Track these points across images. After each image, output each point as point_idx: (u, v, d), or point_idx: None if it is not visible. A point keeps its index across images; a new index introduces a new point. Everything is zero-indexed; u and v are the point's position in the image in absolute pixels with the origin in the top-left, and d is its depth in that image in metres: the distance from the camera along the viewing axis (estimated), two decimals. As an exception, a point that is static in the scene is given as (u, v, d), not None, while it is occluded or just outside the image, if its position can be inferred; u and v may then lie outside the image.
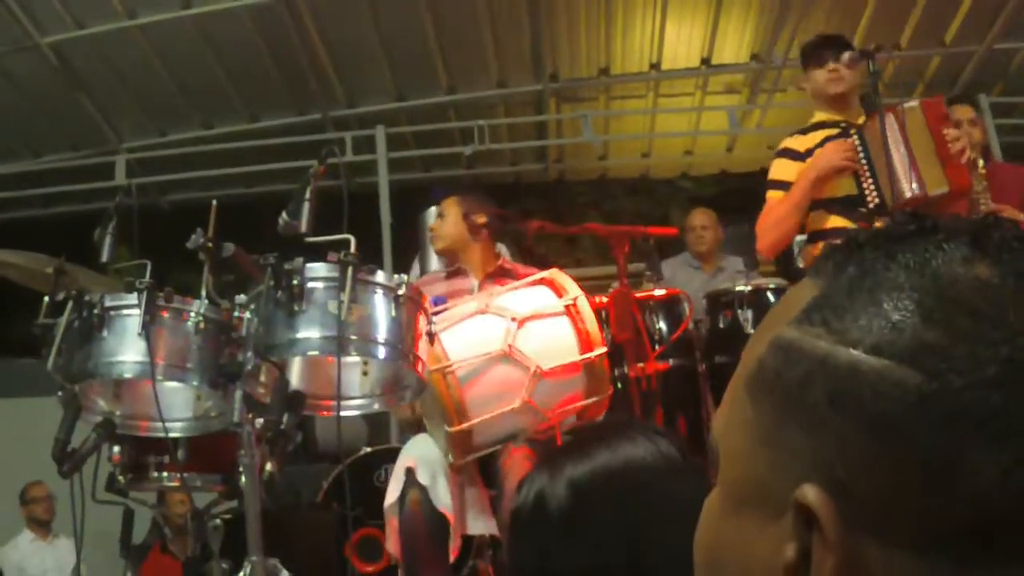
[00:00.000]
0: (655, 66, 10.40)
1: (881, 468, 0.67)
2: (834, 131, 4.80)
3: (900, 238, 0.75)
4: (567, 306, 3.95)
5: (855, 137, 4.64)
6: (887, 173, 4.49)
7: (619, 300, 4.28)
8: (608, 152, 11.88)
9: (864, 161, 4.59)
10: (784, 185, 4.79)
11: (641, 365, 4.37)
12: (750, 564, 0.75)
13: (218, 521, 4.15)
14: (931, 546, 0.65)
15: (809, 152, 4.79)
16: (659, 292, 5.37)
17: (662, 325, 5.36)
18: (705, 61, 10.33)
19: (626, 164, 12.18)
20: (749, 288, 5.45)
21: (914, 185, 4.43)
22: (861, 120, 4.78)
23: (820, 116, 4.96)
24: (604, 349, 3.95)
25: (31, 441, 6.05)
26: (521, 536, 1.61)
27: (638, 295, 4.67)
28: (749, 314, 5.38)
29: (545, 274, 4.20)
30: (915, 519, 0.66)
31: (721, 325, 5.50)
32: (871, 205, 4.57)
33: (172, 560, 6.74)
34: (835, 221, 4.69)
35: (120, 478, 4.01)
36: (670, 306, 5.43)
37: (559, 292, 4.03)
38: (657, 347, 4.90)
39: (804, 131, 4.95)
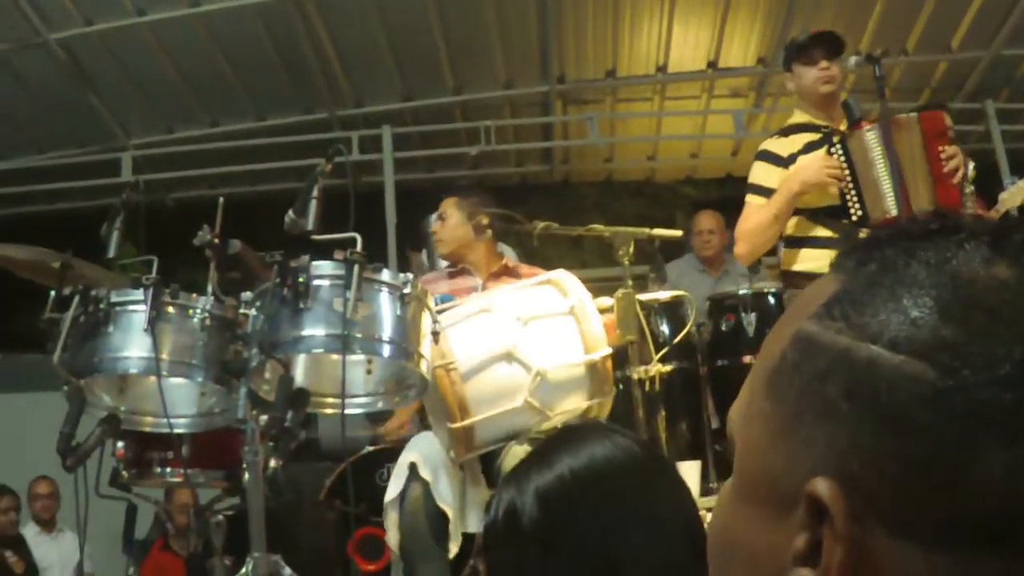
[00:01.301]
0: (662, 69, 10.40)
1: (893, 462, 0.68)
2: (816, 136, 4.72)
3: (921, 236, 0.75)
4: (572, 307, 3.96)
5: (839, 148, 4.55)
6: (872, 187, 4.45)
7: (624, 302, 4.27)
8: (614, 154, 11.88)
9: (848, 173, 4.51)
10: (765, 191, 4.72)
11: (644, 368, 4.37)
12: (759, 553, 0.76)
13: (220, 517, 4.17)
14: (939, 541, 0.66)
15: (792, 158, 4.70)
16: (663, 295, 5.37)
17: (665, 328, 5.36)
18: (712, 64, 10.33)
19: (632, 167, 12.18)
20: (751, 292, 5.45)
21: (899, 203, 4.35)
22: (843, 126, 4.72)
23: (801, 117, 4.87)
24: (608, 351, 3.95)
25: (36, 435, 6.07)
26: (496, 553, 1.60)
27: (642, 298, 4.66)
28: (752, 317, 5.37)
29: (551, 275, 4.20)
30: (924, 514, 0.67)
31: (723, 328, 5.50)
32: (853, 218, 4.51)
33: (173, 557, 6.74)
34: (818, 231, 4.65)
35: (124, 473, 4.03)
36: (673, 309, 5.43)
37: (564, 293, 4.03)
38: (660, 350, 4.89)
39: (785, 132, 4.86)
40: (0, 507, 7.32)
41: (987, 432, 0.65)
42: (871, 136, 4.48)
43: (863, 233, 4.34)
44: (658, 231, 4.57)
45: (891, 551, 0.68)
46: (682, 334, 5.15)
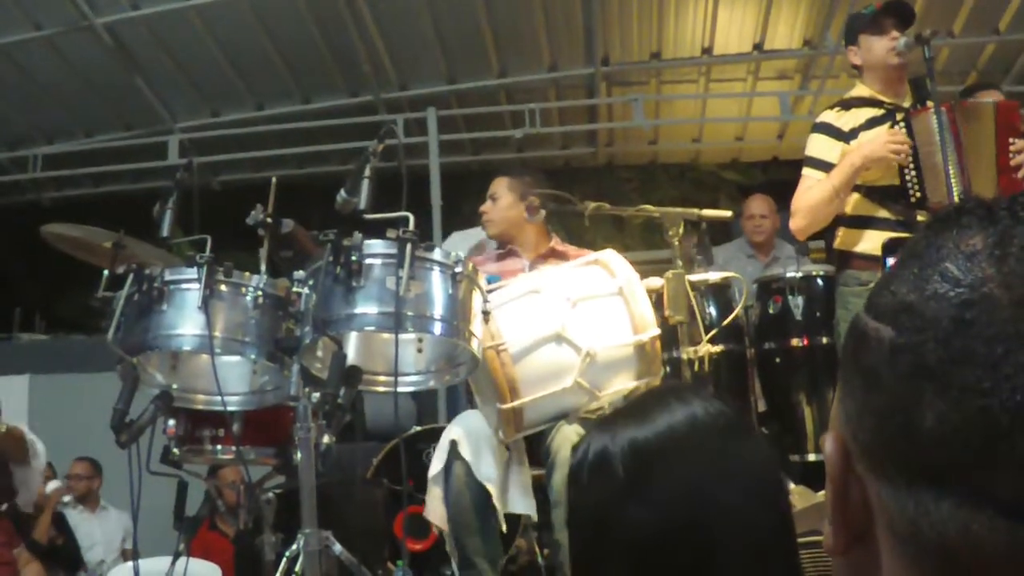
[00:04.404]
0: (707, 51, 10.35)
1: (869, 415, 0.77)
2: (879, 111, 4.61)
3: (945, 217, 0.80)
4: (620, 287, 3.95)
5: (902, 125, 4.46)
6: (932, 171, 4.37)
7: (674, 283, 4.26)
8: (658, 137, 11.85)
9: (910, 152, 4.41)
10: (824, 164, 4.60)
11: (694, 348, 4.35)
12: None
13: (271, 495, 4.20)
14: (906, 484, 0.73)
15: (854, 132, 4.59)
16: (714, 276, 5.36)
17: (712, 310, 5.35)
18: (757, 46, 10.27)
19: (676, 149, 12.15)
20: (799, 274, 5.42)
21: (960, 190, 4.25)
22: (907, 103, 4.60)
23: (864, 91, 4.73)
24: (656, 331, 3.94)
25: (83, 415, 6.13)
26: (581, 493, 1.60)
27: (692, 279, 4.63)
28: (799, 300, 5.35)
29: (599, 255, 4.19)
30: (891, 459, 0.75)
31: (771, 311, 5.48)
32: (912, 199, 4.44)
33: (219, 536, 6.78)
34: (874, 210, 4.53)
35: (175, 451, 4.07)
36: (720, 291, 5.42)
37: (612, 273, 4.03)
38: (708, 331, 4.87)
39: (846, 105, 4.72)
40: None
41: (927, 384, 0.71)
42: (936, 120, 4.32)
43: (921, 216, 4.32)
44: (708, 212, 4.53)
45: (878, 494, 0.77)
46: (732, 315, 5.13)
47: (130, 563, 4.32)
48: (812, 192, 4.62)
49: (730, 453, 1.54)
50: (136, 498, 3.43)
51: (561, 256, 4.81)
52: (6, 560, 5.87)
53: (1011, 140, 4.41)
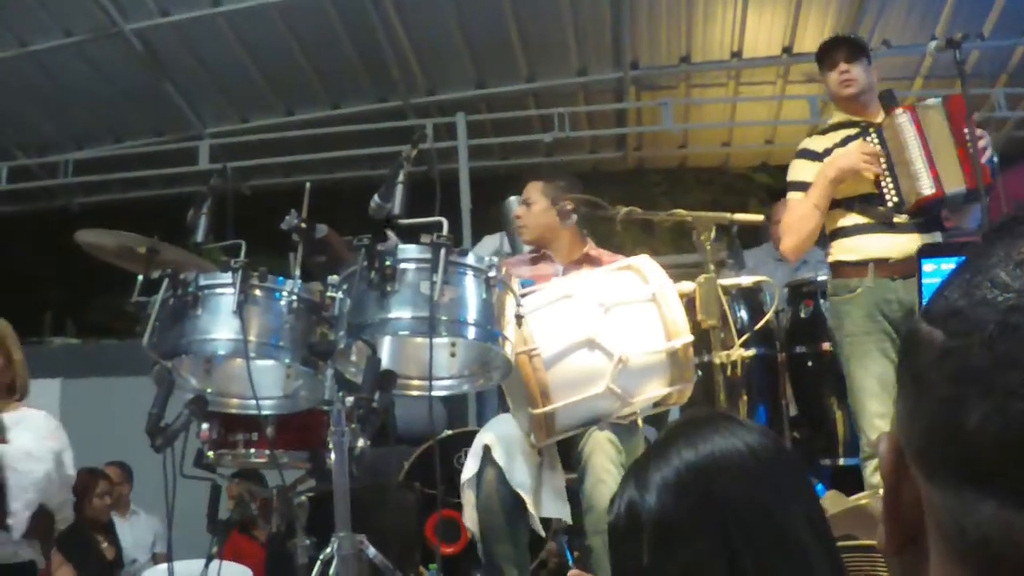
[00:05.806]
0: (736, 54, 10.36)
1: (919, 417, 0.78)
2: (853, 131, 4.78)
3: (1000, 227, 0.81)
4: (653, 293, 3.95)
5: (874, 136, 4.64)
6: (905, 168, 4.51)
7: (706, 287, 4.26)
8: (688, 141, 11.85)
9: (884, 160, 4.59)
10: (803, 186, 4.77)
11: (726, 353, 4.35)
12: None
13: (303, 498, 4.21)
14: (953, 484, 0.74)
15: (827, 152, 4.77)
16: (746, 280, 5.35)
17: (743, 314, 5.34)
18: (786, 50, 10.27)
19: (705, 153, 12.15)
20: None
21: (932, 184, 4.43)
22: (880, 119, 4.74)
23: (840, 116, 4.94)
24: (689, 338, 3.94)
25: (112, 419, 6.14)
26: (619, 548, 1.60)
27: (723, 283, 4.65)
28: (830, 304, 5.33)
29: (632, 261, 4.19)
30: (939, 459, 0.76)
31: (802, 315, 5.46)
32: (889, 204, 4.58)
33: (249, 540, 6.79)
34: (855, 218, 4.66)
35: (209, 454, 4.08)
36: (751, 295, 5.41)
37: (645, 279, 4.03)
38: (740, 335, 4.87)
39: (824, 131, 4.94)
40: (97, 492, 7.29)
41: (972, 387, 0.72)
42: (903, 119, 4.55)
43: (899, 218, 4.46)
44: (739, 216, 4.55)
45: (929, 495, 0.78)
46: (764, 319, 5.13)
47: (163, 565, 4.33)
48: (794, 211, 4.82)
49: (756, 481, 1.52)
50: (171, 503, 3.44)
51: (595, 261, 4.79)
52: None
53: (966, 130, 4.50)
